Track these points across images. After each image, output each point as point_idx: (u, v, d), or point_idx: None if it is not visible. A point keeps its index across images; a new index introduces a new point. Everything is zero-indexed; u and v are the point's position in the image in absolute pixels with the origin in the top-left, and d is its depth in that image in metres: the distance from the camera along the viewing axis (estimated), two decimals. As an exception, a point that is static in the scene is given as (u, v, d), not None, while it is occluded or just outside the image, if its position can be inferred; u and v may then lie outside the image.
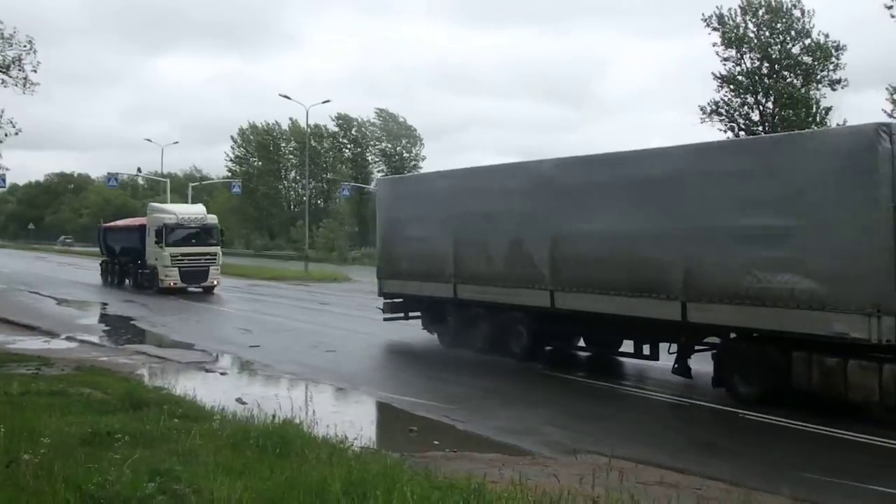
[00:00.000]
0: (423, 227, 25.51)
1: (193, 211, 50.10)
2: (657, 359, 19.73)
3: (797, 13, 63.56)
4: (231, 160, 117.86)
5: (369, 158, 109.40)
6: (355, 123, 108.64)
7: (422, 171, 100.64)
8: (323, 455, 10.15)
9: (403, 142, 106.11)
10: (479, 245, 23.27)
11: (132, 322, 33.37)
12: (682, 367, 18.57)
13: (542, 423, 15.83)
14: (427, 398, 17.94)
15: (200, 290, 45.88)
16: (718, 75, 65.10)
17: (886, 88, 55.80)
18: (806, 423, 15.02)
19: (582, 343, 23.15)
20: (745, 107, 65.81)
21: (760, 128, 65.32)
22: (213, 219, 49.02)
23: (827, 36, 62.97)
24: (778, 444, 14.25)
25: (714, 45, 64.57)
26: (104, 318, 36.68)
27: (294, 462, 9.54)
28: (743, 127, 65.86)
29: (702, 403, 17.46)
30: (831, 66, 63.35)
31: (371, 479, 8.19)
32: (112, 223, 61.42)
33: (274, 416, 12.55)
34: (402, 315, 26.75)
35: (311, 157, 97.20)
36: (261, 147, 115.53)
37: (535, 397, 18.59)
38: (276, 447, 10.39)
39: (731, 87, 65.30)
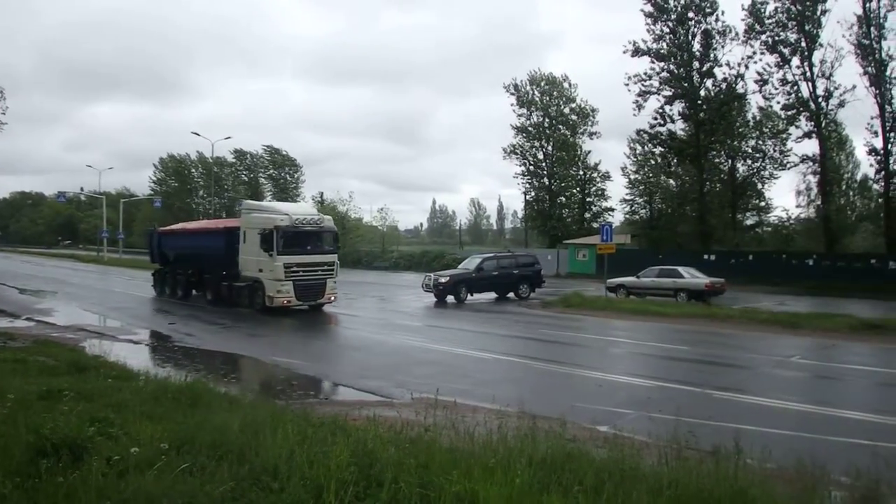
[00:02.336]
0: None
1: (308, 211, 31.02)
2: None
3: (566, 84, 65.74)
4: (153, 182, 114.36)
5: (261, 181, 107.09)
6: (248, 155, 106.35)
7: (302, 189, 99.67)
8: (224, 404, 10.03)
9: (287, 169, 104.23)
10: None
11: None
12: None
13: (393, 374, 15.85)
14: (303, 359, 17.85)
15: (306, 307, 28.92)
16: (514, 126, 66.77)
17: (627, 139, 58.35)
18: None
19: None
20: (533, 149, 67.58)
21: (544, 163, 67.20)
22: (329, 220, 30.32)
23: (586, 101, 65.38)
24: (561, 386, 14.81)
25: (511, 105, 66.32)
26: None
27: (202, 410, 9.37)
28: (532, 163, 67.67)
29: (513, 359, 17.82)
30: (589, 123, 65.78)
31: (261, 421, 8.14)
32: (174, 227, 39.15)
33: (186, 377, 12.32)
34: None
35: (215, 180, 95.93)
36: (176, 172, 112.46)
37: (387, 351, 18.71)
38: (188, 399, 10.20)
39: (524, 134, 67.03)
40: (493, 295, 34.98)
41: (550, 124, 66.86)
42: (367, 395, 13.74)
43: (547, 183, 68.20)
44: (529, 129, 67.43)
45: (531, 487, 6.01)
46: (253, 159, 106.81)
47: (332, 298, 29.14)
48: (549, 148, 67.43)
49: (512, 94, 67.19)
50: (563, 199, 68.62)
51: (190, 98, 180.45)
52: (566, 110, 66.87)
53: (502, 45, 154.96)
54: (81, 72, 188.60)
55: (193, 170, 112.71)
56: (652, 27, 54.53)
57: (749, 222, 58.67)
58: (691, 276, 33.45)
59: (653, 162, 63.24)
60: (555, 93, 66.73)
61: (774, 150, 55.22)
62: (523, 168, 68.61)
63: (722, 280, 33.94)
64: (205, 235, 33.31)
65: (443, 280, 33.14)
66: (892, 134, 46.04)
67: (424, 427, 8.13)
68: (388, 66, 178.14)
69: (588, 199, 68.04)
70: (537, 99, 67.14)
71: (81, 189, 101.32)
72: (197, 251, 32.93)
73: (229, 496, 5.89)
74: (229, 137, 78.16)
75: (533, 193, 69.49)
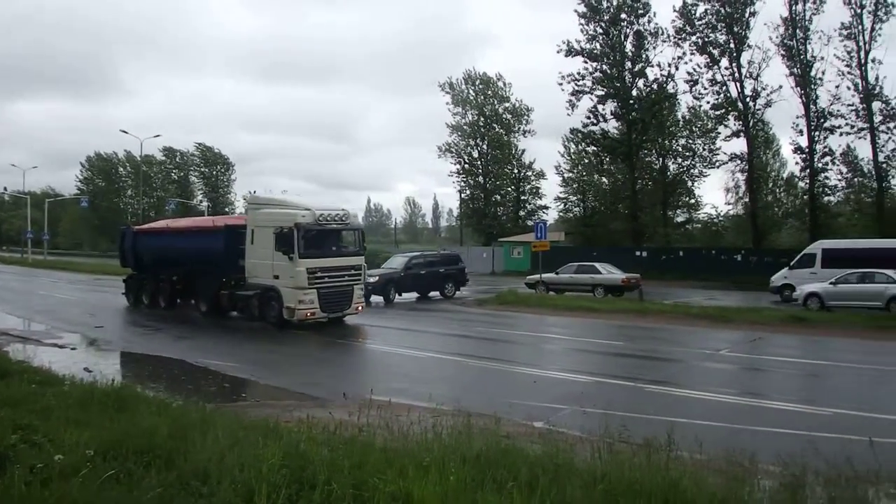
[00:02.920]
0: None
1: (331, 205, 24.89)
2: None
3: (501, 84, 66.19)
4: (80, 181, 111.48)
5: (192, 180, 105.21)
6: (178, 153, 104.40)
7: (234, 187, 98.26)
8: (153, 408, 9.76)
9: (218, 167, 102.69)
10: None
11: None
12: None
13: (327, 376, 15.72)
14: (233, 361, 17.53)
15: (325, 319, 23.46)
16: (449, 124, 66.91)
17: (561, 138, 59.05)
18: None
19: None
20: (468, 148, 67.81)
21: (479, 162, 67.51)
22: (356, 216, 26.37)
23: (521, 100, 65.96)
24: (495, 381, 14.88)
25: (446, 104, 66.50)
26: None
27: (130, 414, 9.10)
28: (467, 162, 67.92)
29: (448, 357, 17.86)
30: (524, 122, 66.38)
31: (190, 424, 7.96)
32: (154, 225, 34.15)
33: (113, 381, 11.96)
34: None
35: (144, 179, 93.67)
36: (103, 171, 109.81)
37: (323, 357, 18.50)
38: (116, 404, 9.90)
39: (459, 133, 67.19)
40: (415, 295, 34.68)
41: (485, 123, 67.27)
42: (301, 397, 13.56)
43: (482, 181, 68.60)
44: (464, 127, 67.77)
45: (465, 485, 5.99)
46: (183, 157, 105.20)
47: (360, 308, 24.73)
48: (484, 146, 67.89)
49: (447, 92, 67.51)
50: (498, 197, 69.12)
51: (117, 95, 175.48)
52: (501, 109, 67.42)
53: (436, 44, 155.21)
54: (2, 68, 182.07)
55: (121, 169, 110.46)
56: (585, 27, 55.44)
57: (680, 219, 60.03)
58: (608, 273, 34.58)
59: (586, 160, 64.17)
60: (489, 92, 67.21)
61: (704, 149, 56.66)
62: (458, 166, 68.98)
63: (637, 276, 35.03)
64: (197, 235, 27.89)
65: (372, 280, 32.89)
66: (816, 133, 47.72)
67: (358, 427, 8.06)
68: (320, 62, 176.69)
69: (523, 198, 68.67)
70: (472, 98, 67.50)
71: (5, 189, 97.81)
72: (185, 253, 27.22)
73: (157, 503, 5.72)
74: (158, 135, 76.81)
75: (468, 192, 69.88)
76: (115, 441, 7.33)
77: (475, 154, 68.47)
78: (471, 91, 67.55)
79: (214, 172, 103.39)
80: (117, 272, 51.33)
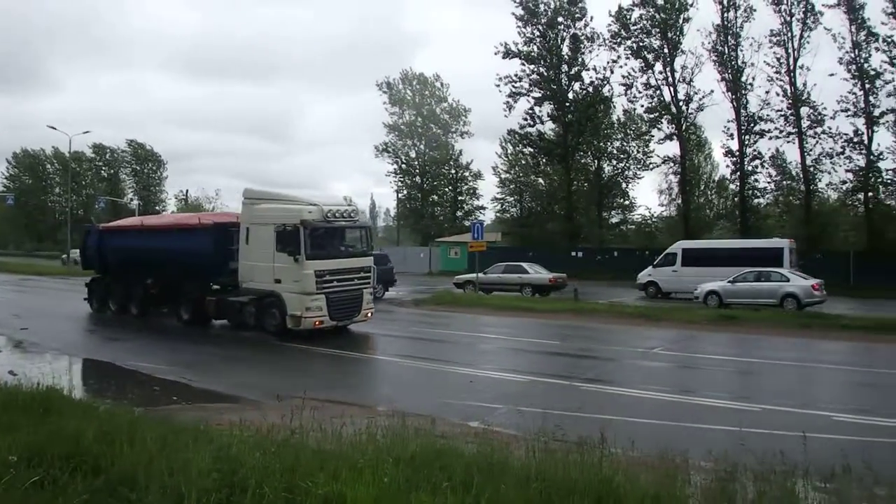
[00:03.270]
0: None
1: (338, 200, 22.64)
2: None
3: (438, 84, 66.30)
4: (6, 178, 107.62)
5: (123, 178, 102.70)
6: (108, 151, 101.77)
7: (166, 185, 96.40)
8: (79, 412, 9.46)
9: (150, 165, 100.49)
10: None
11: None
12: None
13: (260, 378, 15.43)
14: (166, 363, 17.12)
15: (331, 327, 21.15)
16: (387, 124, 66.71)
17: (498, 139, 59.44)
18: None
19: None
20: (406, 148, 67.75)
21: (416, 162, 67.53)
22: (363, 213, 24.68)
23: (458, 101, 66.17)
24: (428, 381, 14.86)
25: (384, 103, 66.18)
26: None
27: (55, 418, 8.82)
28: (404, 162, 67.87)
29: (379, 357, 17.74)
30: (461, 122, 66.60)
31: (118, 428, 7.74)
32: (124, 222, 30.43)
33: (38, 384, 11.56)
34: None
35: (72, 176, 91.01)
36: (30, 168, 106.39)
37: (256, 359, 18.22)
38: (40, 407, 9.57)
39: (396, 133, 67.05)
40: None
41: (423, 123, 67.33)
42: (234, 399, 13.32)
43: (419, 181, 68.63)
44: (402, 127, 67.70)
45: (400, 486, 5.95)
46: (113, 155, 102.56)
47: (369, 315, 22.34)
48: (422, 147, 67.93)
49: (384, 92, 67.34)
50: (436, 197, 69.23)
51: (46, 90, 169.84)
52: (438, 110, 67.57)
53: (376, 43, 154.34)
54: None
55: (49, 165, 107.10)
56: (523, 30, 55.90)
57: (614, 220, 60.97)
58: (535, 272, 35.53)
59: (523, 161, 64.69)
60: (427, 92, 67.31)
61: (638, 151, 57.64)
62: (396, 166, 68.86)
63: (564, 275, 36.06)
64: (178, 234, 24.56)
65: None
66: (747, 137, 49.05)
67: (291, 430, 7.94)
68: (256, 60, 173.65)
69: (460, 198, 68.92)
70: (410, 98, 67.46)
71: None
72: (163, 254, 24.23)
73: (84, 509, 5.56)
74: (88, 132, 75.14)
75: (405, 192, 69.81)
76: (40, 446, 7.09)
77: (412, 154, 68.52)
78: (408, 91, 67.57)
79: (146, 170, 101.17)
80: (50, 272, 49.92)
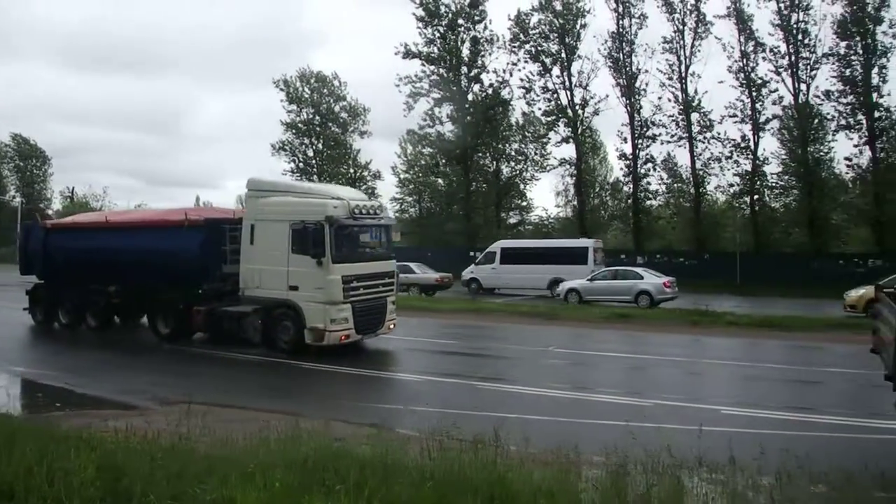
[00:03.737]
0: None
1: (359, 195, 21.18)
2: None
3: (337, 82, 65.74)
4: None
5: (5, 174, 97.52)
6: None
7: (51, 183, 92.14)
8: (-51, 422, 8.93)
9: (34, 161, 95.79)
10: None
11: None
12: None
13: (149, 383, 14.73)
14: (48, 368, 16.33)
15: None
16: (284, 122, 65.66)
17: (398, 139, 59.47)
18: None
19: None
20: (303, 146, 66.86)
21: (314, 161, 66.78)
22: (388, 211, 22.62)
23: (357, 100, 65.74)
24: (321, 383, 14.70)
25: (281, 101, 65.12)
26: None
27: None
28: (301, 161, 66.97)
29: (274, 359, 17.43)
30: (360, 121, 66.18)
31: (-8, 438, 7.34)
32: (79, 218, 27.10)
33: None
34: None
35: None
36: None
37: (143, 364, 17.50)
38: None
39: (293, 131, 66.02)
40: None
41: (321, 122, 66.53)
42: (119, 405, 12.79)
43: (317, 181, 67.85)
44: (299, 125, 66.71)
45: (291, 490, 5.86)
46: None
47: (392, 326, 19.62)
48: (320, 145, 67.11)
49: (281, 89, 66.13)
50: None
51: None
52: (337, 108, 66.86)
53: (270, 39, 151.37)
54: None
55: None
56: (423, 31, 56.00)
57: (512, 221, 61.77)
58: (422, 272, 36.69)
59: (422, 162, 64.86)
60: (325, 90, 66.52)
61: (536, 154, 58.57)
62: (293, 165, 67.83)
63: (450, 275, 37.20)
64: (158, 232, 20.76)
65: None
66: (640, 141, 50.69)
67: (179, 435, 7.71)
68: (148, 53, 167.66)
69: (361, 199, 68.47)
70: (307, 96, 66.58)
71: None
72: (135, 256, 20.34)
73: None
74: (-38, 125, 70.16)
75: (303, 192, 68.87)
76: None
77: (310, 153, 67.56)
78: (306, 89, 66.66)
79: (30, 167, 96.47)
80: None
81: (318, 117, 66.38)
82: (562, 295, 31.46)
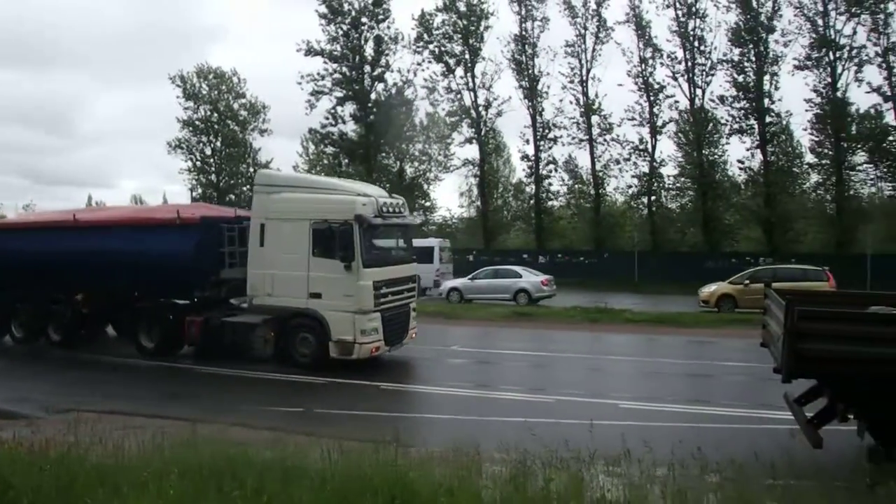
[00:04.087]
0: None
1: (384, 193, 18.84)
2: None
3: (236, 79, 64.61)
4: None
5: None
6: None
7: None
8: None
9: None
10: None
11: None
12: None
13: (37, 392, 14.03)
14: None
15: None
16: (180, 119, 64.05)
17: (300, 138, 58.76)
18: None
19: None
20: (201, 144, 65.39)
21: (212, 160, 65.43)
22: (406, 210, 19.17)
23: (257, 97, 64.71)
24: (222, 387, 14.45)
25: (177, 97, 63.46)
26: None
27: None
28: (199, 159, 65.53)
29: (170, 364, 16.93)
30: (260, 119, 65.18)
31: None
32: (32, 217, 25.88)
33: None
34: None
35: None
36: None
37: (30, 371, 16.70)
38: None
39: (190, 128, 64.47)
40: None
41: (219, 119, 65.14)
42: (4, 414, 12.19)
43: (215, 180, 66.35)
44: (197, 122, 65.13)
45: (186, 497, 5.74)
46: None
47: (414, 336, 18.14)
48: (218, 143, 65.70)
49: (178, 85, 64.40)
50: (233, 196, 67.21)
51: None
52: (236, 105, 65.59)
53: (169, 33, 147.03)
54: None
55: None
56: (326, 28, 55.40)
57: (416, 221, 61.97)
58: None
59: (325, 161, 64.31)
60: (224, 87, 65.12)
61: (440, 154, 58.88)
62: (190, 163, 66.18)
63: None
64: (138, 232, 18.07)
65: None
66: (542, 143, 51.61)
67: (68, 445, 7.43)
68: (34, 46, 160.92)
69: (261, 198, 67.26)
70: (205, 93, 65.07)
71: None
72: (112, 259, 17.53)
73: None
74: None
75: (200, 190, 67.19)
76: None
77: (208, 151, 66.01)
78: (204, 85, 65.09)
79: None
80: None
81: (216, 114, 64.96)
82: (444, 294, 32.11)
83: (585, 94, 50.35)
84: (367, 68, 55.88)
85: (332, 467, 6.60)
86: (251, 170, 66.28)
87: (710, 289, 28.97)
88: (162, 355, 17.44)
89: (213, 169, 66.07)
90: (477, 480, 6.62)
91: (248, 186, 67.20)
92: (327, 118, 56.32)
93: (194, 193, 66.73)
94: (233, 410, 10.91)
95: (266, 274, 16.55)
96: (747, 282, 27.79)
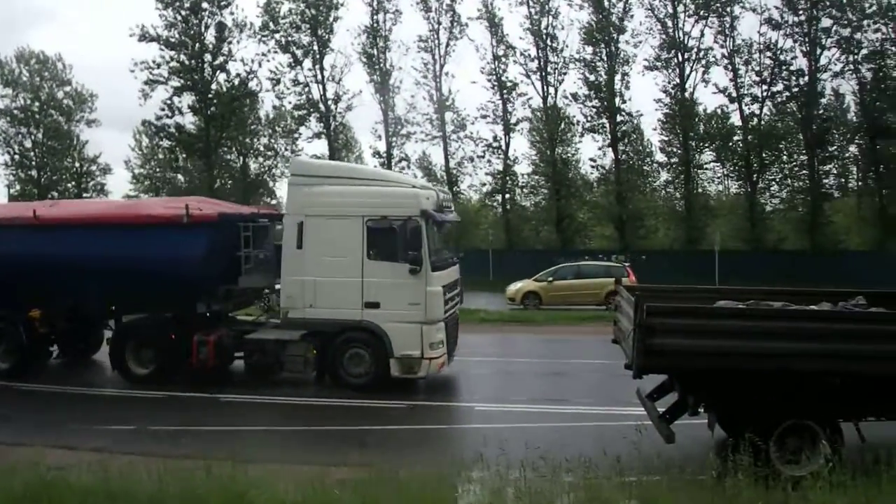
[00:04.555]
0: None
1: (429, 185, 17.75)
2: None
3: (61, 65, 61.43)
4: None
5: None
6: None
7: None
8: None
9: None
10: None
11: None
12: None
13: None
14: None
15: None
16: (-6, 109, 60.19)
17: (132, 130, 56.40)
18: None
19: None
20: (20, 136, 61.68)
21: (32, 153, 61.89)
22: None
23: (83, 85, 61.76)
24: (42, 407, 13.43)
25: (-7, 84, 59.63)
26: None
27: None
28: (18, 153, 61.78)
29: None
30: (87, 109, 62.26)
31: None
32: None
33: None
34: None
35: None
36: None
37: None
38: None
39: (8, 118, 60.66)
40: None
41: (41, 108, 61.56)
42: None
43: (36, 175, 62.72)
44: (15, 112, 61.32)
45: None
46: None
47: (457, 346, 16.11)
48: (40, 136, 62.12)
49: (-8, 70, 60.49)
50: (56, 193, 63.66)
51: None
52: (60, 94, 62.22)
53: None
54: None
55: None
56: (164, 12, 53.28)
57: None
58: None
59: (161, 156, 62.03)
60: (46, 73, 61.64)
61: (286, 149, 57.97)
62: (8, 157, 62.24)
63: None
64: (132, 233, 14.84)
65: None
66: (394, 138, 51.78)
67: None
68: None
69: (86, 195, 64.03)
70: (26, 79, 61.35)
71: None
72: (83, 268, 14.32)
73: None
74: None
75: (18, 187, 63.30)
76: None
77: (28, 144, 62.31)
78: (24, 71, 61.35)
79: None
80: None
81: (37, 103, 61.38)
82: None
83: (439, 89, 50.93)
84: (208, 57, 54.18)
85: (162, 490, 6.26)
86: (76, 164, 63.09)
87: (517, 286, 30.47)
88: (160, 382, 14.62)
89: (33, 164, 62.34)
90: (331, 493, 6.47)
91: (73, 183, 63.97)
92: (163, 109, 54.12)
93: (12, 190, 62.73)
94: (53, 431, 10.20)
95: (306, 282, 14.35)
96: (551, 279, 29.68)
